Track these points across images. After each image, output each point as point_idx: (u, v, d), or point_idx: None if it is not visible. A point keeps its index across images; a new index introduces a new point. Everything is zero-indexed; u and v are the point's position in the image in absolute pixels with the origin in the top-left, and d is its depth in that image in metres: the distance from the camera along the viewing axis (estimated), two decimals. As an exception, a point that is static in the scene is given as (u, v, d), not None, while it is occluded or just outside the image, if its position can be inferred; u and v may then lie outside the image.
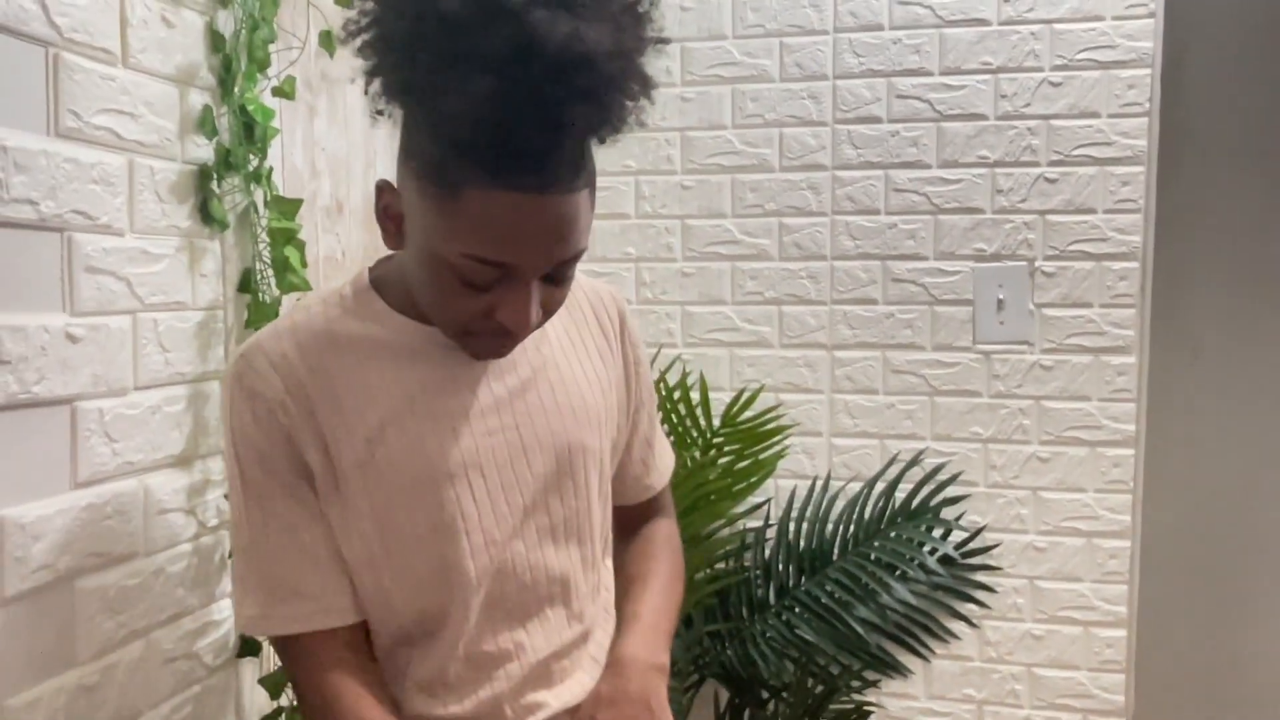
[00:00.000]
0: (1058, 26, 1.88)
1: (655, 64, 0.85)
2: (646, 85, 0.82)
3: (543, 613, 0.99)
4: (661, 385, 1.97)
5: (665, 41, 0.85)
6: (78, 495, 1.07)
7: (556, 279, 0.88)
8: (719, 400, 2.02)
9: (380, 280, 0.98)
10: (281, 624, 0.93)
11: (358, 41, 0.84)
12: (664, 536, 1.18)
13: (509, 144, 0.79)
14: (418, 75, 0.80)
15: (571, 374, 1.02)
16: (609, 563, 1.09)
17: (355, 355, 0.94)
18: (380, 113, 0.85)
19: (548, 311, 0.89)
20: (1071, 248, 1.91)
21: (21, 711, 1.01)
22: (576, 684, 1.02)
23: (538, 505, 0.98)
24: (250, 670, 1.38)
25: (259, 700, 1.38)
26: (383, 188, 0.89)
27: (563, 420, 1.00)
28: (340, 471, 0.92)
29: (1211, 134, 1.76)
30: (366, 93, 0.84)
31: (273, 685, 1.35)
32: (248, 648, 1.35)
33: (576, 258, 0.87)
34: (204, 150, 1.25)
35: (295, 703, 1.37)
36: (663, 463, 1.19)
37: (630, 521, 1.18)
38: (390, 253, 1.02)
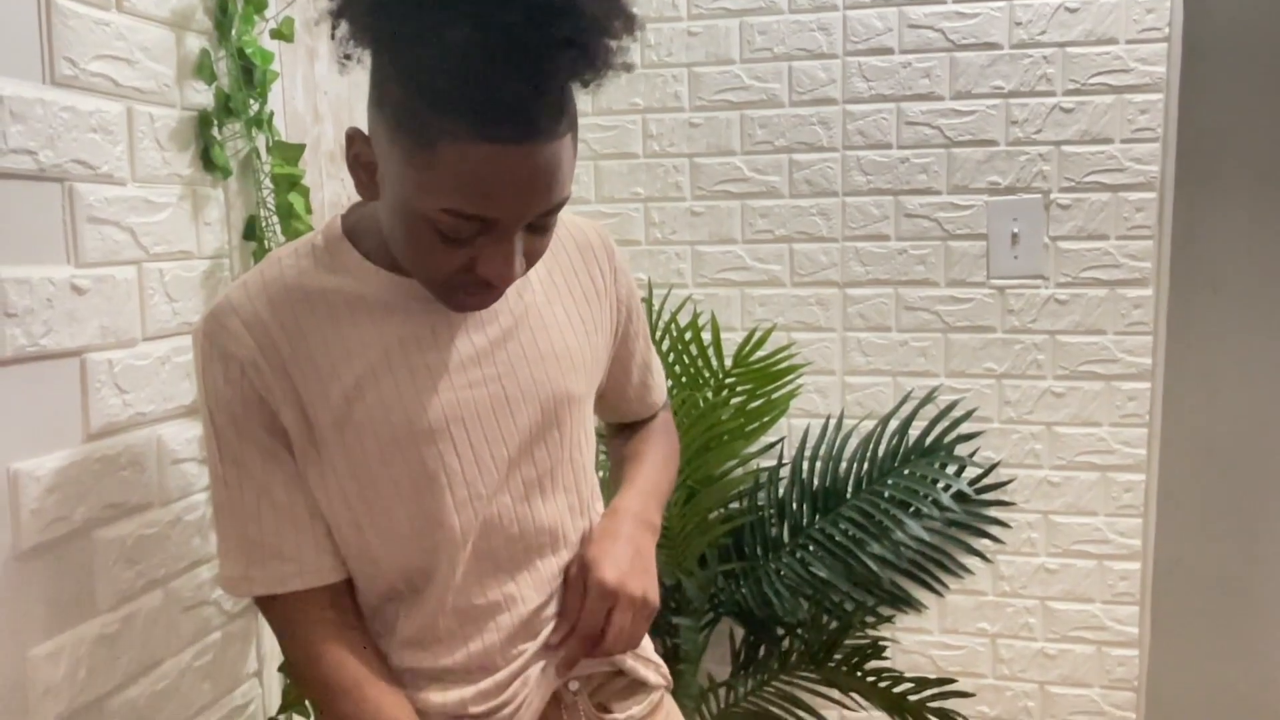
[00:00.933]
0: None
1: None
2: (631, 24, 0.78)
3: (532, 564, 0.99)
4: (672, 326, 1.97)
5: None
6: (91, 447, 1.08)
7: (539, 228, 0.85)
8: (730, 340, 2.02)
9: (354, 228, 0.95)
10: (263, 585, 0.93)
11: None
12: (659, 423, 1.21)
13: (487, 94, 0.74)
14: (389, 21, 0.77)
15: (554, 319, 1.00)
16: (599, 506, 1.09)
17: (329, 310, 0.92)
18: (348, 57, 0.82)
19: (530, 261, 0.87)
20: (1088, 179, 1.89)
21: (44, 662, 1.02)
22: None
23: (523, 456, 0.97)
24: (268, 616, 1.40)
25: (277, 647, 1.41)
26: (354, 136, 0.86)
27: (545, 368, 0.98)
28: (318, 431, 0.91)
29: (1235, 58, 1.72)
30: (333, 36, 0.80)
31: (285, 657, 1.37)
32: (266, 594, 1.37)
33: (560, 205, 0.84)
34: (203, 96, 1.25)
35: (289, 668, 1.39)
36: (659, 379, 1.21)
37: (638, 426, 1.21)
38: (361, 200, 1.00)
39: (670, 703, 1.12)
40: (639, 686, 1.09)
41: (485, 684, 0.97)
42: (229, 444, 0.92)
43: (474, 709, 0.97)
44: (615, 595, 0.98)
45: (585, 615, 0.98)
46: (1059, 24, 1.86)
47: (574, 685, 1.03)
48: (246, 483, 0.92)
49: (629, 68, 0.81)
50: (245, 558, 0.93)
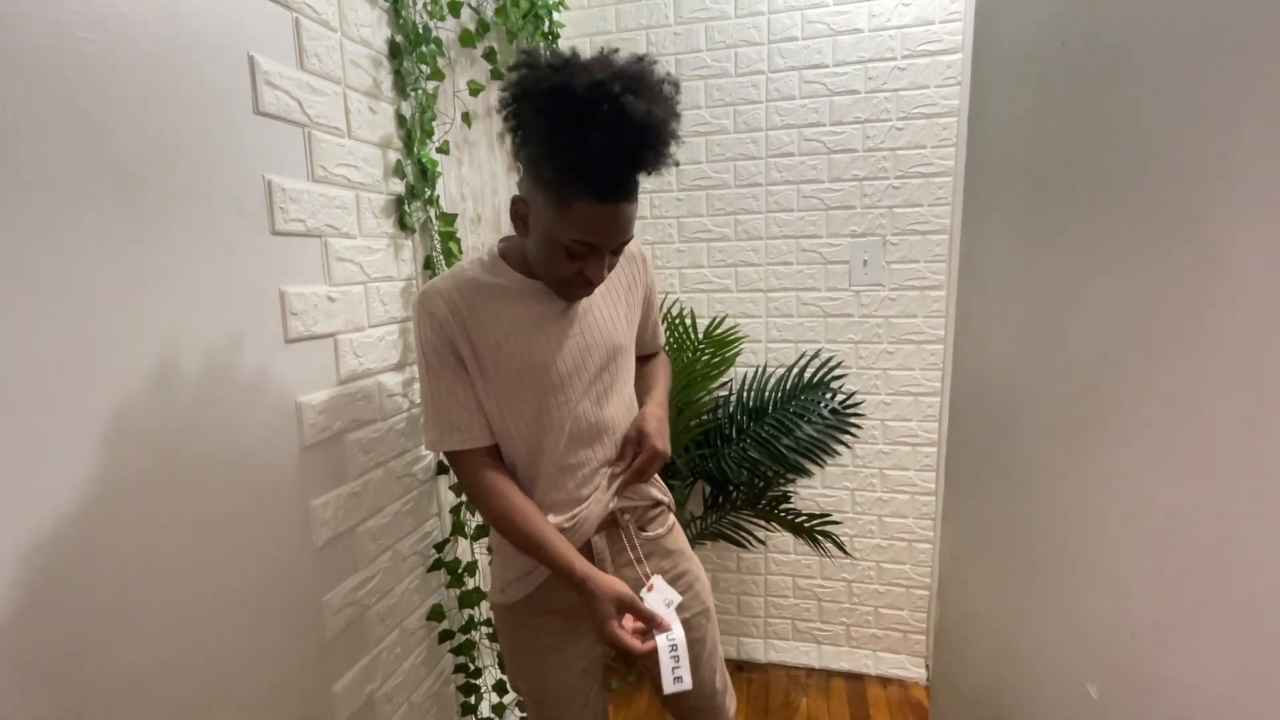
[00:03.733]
0: (904, 94, 1.79)
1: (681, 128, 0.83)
2: (678, 140, 0.80)
3: (600, 440, 0.98)
4: (667, 316, 1.95)
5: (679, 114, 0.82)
6: (341, 388, 1.09)
7: (616, 252, 0.87)
8: (702, 324, 2.00)
9: (505, 252, 0.96)
10: (450, 444, 0.93)
11: (505, 111, 0.81)
12: (661, 361, 1.20)
13: (608, 179, 0.77)
14: (548, 130, 0.76)
15: (608, 304, 1.00)
16: (637, 403, 1.08)
17: (489, 295, 0.92)
18: (518, 154, 0.83)
19: (610, 270, 0.88)
20: (908, 228, 1.85)
21: (319, 507, 1.04)
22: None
23: (596, 378, 0.97)
24: (444, 482, 1.41)
25: (449, 499, 1.42)
26: (517, 199, 0.87)
27: (607, 329, 0.98)
28: (481, 360, 0.92)
29: (993, 153, 1.68)
30: (512, 145, 0.81)
31: (457, 489, 1.39)
32: (441, 469, 1.37)
33: (629, 239, 0.86)
34: (398, 186, 1.23)
35: (468, 497, 1.40)
36: (662, 332, 1.19)
37: (646, 359, 1.18)
38: (507, 236, 1.00)
39: (678, 526, 1.12)
40: (661, 513, 1.07)
41: (572, 511, 0.97)
42: (432, 364, 0.92)
43: (566, 525, 0.97)
44: (656, 451, 0.98)
45: (640, 460, 0.99)
46: (892, 136, 1.82)
47: (626, 516, 1.02)
48: (441, 386, 0.92)
49: (677, 164, 0.83)
50: (438, 429, 0.93)
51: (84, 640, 0.73)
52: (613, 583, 0.90)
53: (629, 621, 0.90)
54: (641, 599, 0.93)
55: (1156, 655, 0.62)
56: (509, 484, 0.94)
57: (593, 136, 0.73)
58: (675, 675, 0.86)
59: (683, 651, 0.87)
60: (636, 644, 0.87)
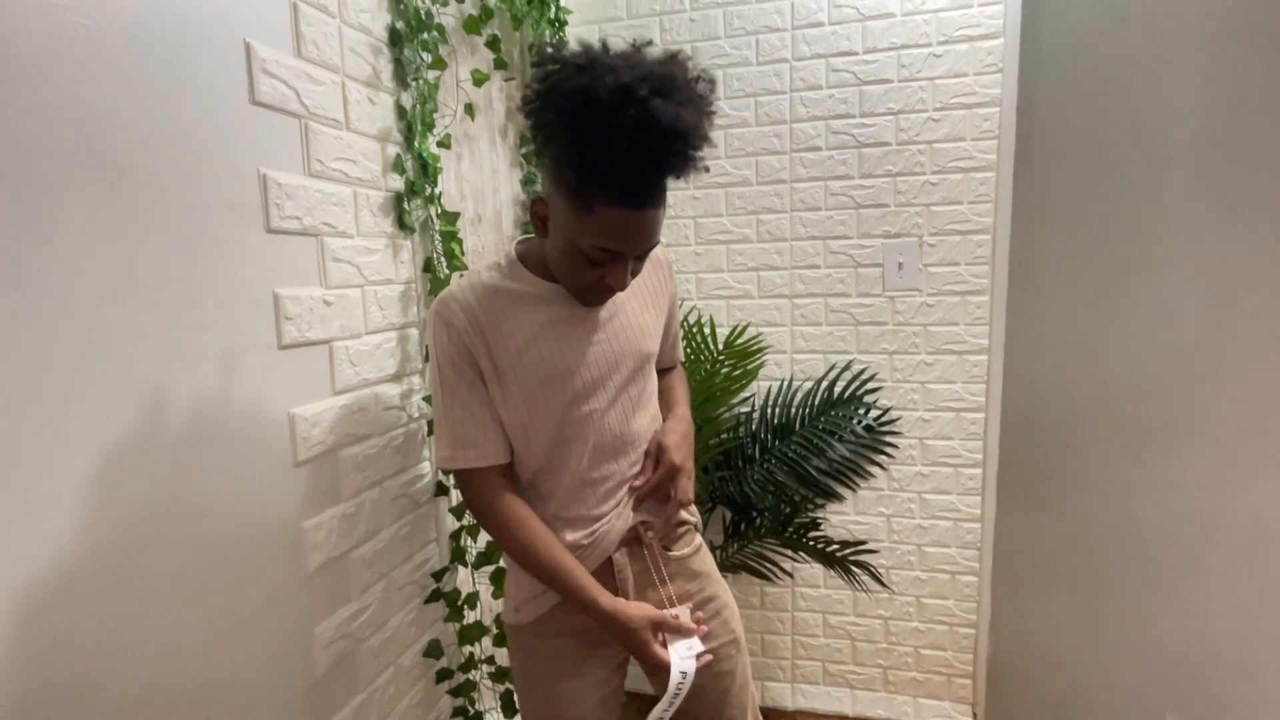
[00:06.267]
0: (940, 83, 1.82)
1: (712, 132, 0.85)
2: (710, 142, 0.82)
3: (626, 453, 1.00)
4: (685, 323, 1.97)
5: (714, 113, 0.83)
6: (336, 399, 1.09)
7: (640, 258, 0.88)
8: (721, 333, 2.01)
9: (523, 255, 0.98)
10: (463, 461, 0.95)
11: (528, 109, 0.82)
12: (679, 375, 1.21)
13: (632, 183, 0.79)
14: (573, 134, 0.78)
15: (637, 307, 1.02)
16: (659, 417, 1.10)
17: (510, 301, 0.94)
18: (540, 155, 0.84)
19: (633, 277, 0.90)
20: (947, 227, 1.87)
21: (312, 529, 1.04)
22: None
23: (624, 389, 0.98)
24: (443, 504, 1.41)
25: (449, 523, 1.42)
26: (537, 199, 0.89)
27: (635, 336, 0.99)
28: (501, 370, 0.93)
29: (1046, 141, 1.70)
30: (535, 144, 0.84)
31: (457, 512, 1.39)
32: (440, 490, 1.37)
33: (655, 245, 0.87)
34: (397, 183, 1.25)
35: (472, 521, 1.40)
36: (680, 345, 1.21)
37: (663, 373, 1.20)
38: (525, 238, 1.02)
39: (705, 547, 1.13)
40: (687, 536, 1.08)
41: (592, 527, 0.98)
42: (448, 378, 0.94)
43: (584, 542, 0.98)
44: (677, 468, 1.00)
45: (659, 476, 1.00)
46: (928, 128, 1.84)
47: (650, 533, 1.03)
48: (456, 400, 0.94)
49: (707, 169, 0.85)
50: (451, 445, 0.95)
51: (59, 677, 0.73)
52: (641, 609, 0.93)
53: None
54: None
55: (1243, 679, 0.62)
56: (526, 509, 0.95)
57: (617, 142, 0.74)
58: (663, 712, 0.88)
59: (684, 692, 0.90)
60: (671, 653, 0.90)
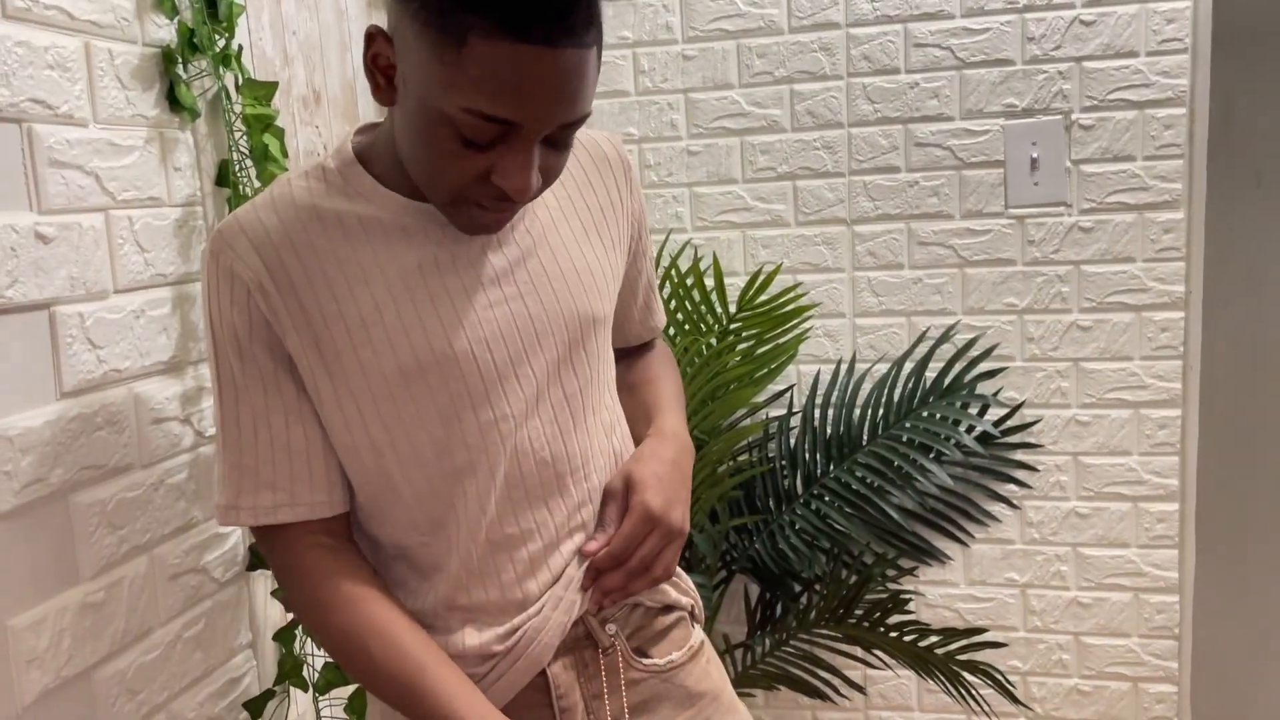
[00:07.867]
0: None
1: None
2: None
3: (564, 490, 0.99)
4: (673, 271, 1.97)
5: None
6: (65, 405, 1.08)
7: (558, 143, 0.87)
8: (734, 285, 2.01)
9: (365, 151, 0.96)
10: (250, 515, 0.94)
11: None
12: (662, 351, 1.22)
13: None
14: None
15: (572, 237, 1.01)
16: (624, 425, 1.11)
17: (343, 232, 0.93)
18: None
19: (547, 180, 0.88)
20: (1111, 97, 1.87)
21: (26, 631, 1.02)
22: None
23: (552, 380, 0.98)
24: (263, 583, 1.40)
25: (273, 614, 1.41)
26: (374, 33, 0.87)
27: (568, 286, 0.99)
28: (332, 354, 0.92)
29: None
30: None
31: (287, 599, 1.39)
32: (258, 560, 1.37)
33: (581, 121, 0.85)
34: (165, 31, 1.23)
35: (292, 610, 1.40)
36: (658, 307, 1.21)
37: (635, 352, 1.21)
38: (372, 121, 1.01)
39: (710, 648, 1.13)
40: (678, 630, 1.09)
41: (511, 622, 0.98)
42: (229, 368, 0.93)
43: (497, 649, 0.98)
44: (657, 521, 0.99)
45: (624, 536, 0.99)
46: (1074, -69, 1.85)
47: (611, 629, 1.04)
48: (244, 409, 0.93)
49: None
50: (237, 486, 0.94)
51: None
52: None
53: None
54: None
55: None
56: (369, 588, 0.95)
57: None
58: None
59: None
60: None
